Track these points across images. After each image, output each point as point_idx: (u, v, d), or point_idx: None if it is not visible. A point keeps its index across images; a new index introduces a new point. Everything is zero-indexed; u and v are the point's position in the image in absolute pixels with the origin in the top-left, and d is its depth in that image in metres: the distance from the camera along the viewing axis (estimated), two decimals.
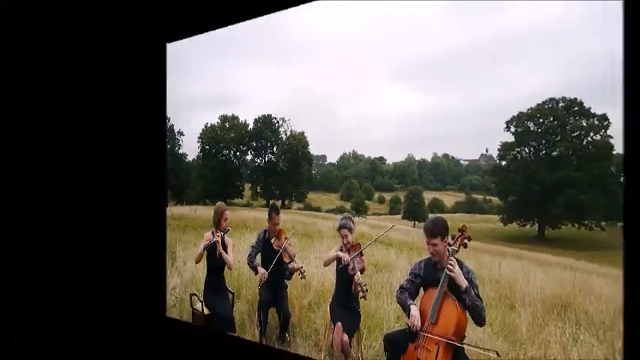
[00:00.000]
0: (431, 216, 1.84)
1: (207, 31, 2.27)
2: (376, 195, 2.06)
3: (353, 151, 2.09)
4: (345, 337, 1.91)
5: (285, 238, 2.19)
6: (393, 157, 2.02)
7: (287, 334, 2.13)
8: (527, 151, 1.62)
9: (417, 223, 1.97)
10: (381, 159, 2.05)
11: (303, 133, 2.18)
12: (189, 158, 2.66)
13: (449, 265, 1.64)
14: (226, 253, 2.32)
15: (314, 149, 2.16)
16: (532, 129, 1.58)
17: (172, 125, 2.66)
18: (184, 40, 2.44)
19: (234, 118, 2.40)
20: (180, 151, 2.70)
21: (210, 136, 2.51)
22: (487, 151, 1.74)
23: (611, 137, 1.47)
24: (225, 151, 2.48)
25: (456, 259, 1.65)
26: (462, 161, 1.92)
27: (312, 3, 1.85)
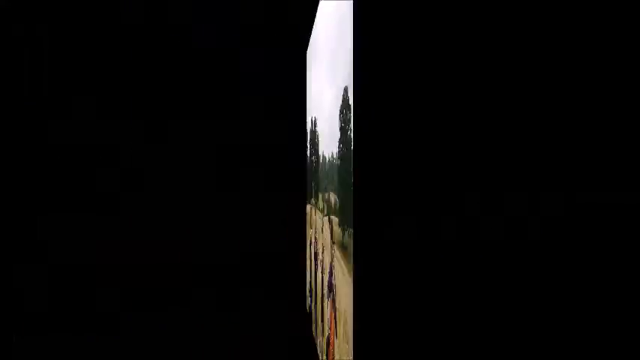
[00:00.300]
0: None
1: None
2: (320, 195, 1.98)
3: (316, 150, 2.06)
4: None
5: (314, 230, 2.31)
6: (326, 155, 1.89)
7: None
8: (339, 148, 1.45)
9: None
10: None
11: (315, 132, 2.23)
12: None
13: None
14: None
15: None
16: (340, 124, 1.40)
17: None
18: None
19: (311, 121, 2.49)
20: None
21: (310, 138, 2.62)
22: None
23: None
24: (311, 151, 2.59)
25: (331, 264, 1.59)
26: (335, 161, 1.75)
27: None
